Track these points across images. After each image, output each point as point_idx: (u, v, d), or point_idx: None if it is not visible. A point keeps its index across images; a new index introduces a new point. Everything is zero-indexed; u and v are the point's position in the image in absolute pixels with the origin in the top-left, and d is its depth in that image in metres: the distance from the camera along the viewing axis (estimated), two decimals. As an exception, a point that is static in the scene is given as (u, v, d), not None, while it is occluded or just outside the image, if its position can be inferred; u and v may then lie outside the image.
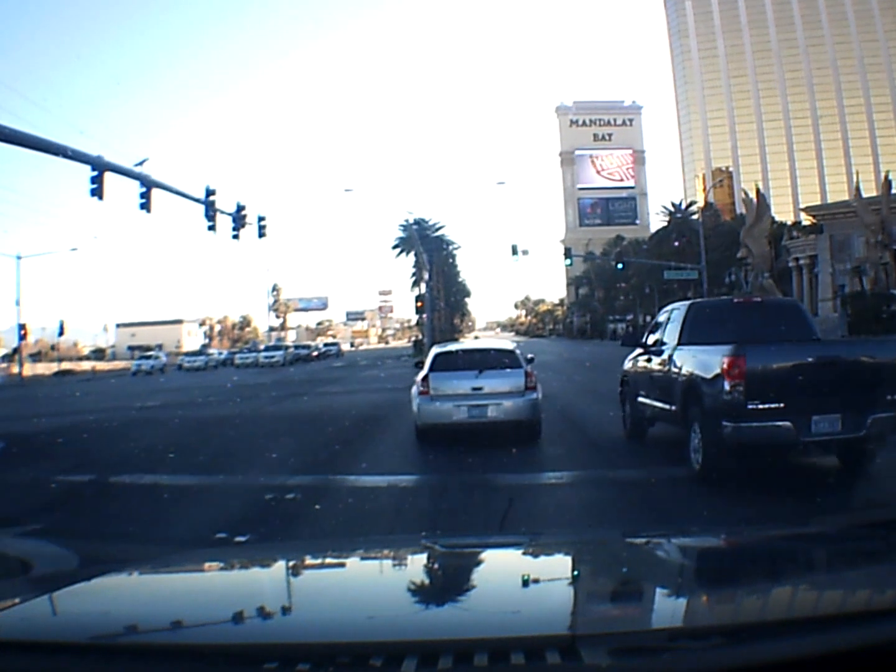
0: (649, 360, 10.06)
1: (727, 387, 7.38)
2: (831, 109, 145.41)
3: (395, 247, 75.21)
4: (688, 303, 10.13)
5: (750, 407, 7.29)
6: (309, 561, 2.41)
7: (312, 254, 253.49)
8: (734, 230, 69.49)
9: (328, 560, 2.41)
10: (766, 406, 7.29)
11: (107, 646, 1.40)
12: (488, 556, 2.38)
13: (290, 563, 2.32)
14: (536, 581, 1.94)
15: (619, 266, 47.26)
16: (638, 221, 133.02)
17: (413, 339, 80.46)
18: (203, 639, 1.48)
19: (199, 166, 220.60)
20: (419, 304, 52.39)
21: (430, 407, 11.00)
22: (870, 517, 3.79)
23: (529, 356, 12.39)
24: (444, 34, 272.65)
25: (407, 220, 57.48)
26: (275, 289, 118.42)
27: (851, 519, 3.78)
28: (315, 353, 66.65)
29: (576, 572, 2.12)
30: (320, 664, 1.29)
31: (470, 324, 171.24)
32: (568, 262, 44.07)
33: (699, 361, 8.22)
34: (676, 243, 66.31)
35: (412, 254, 72.15)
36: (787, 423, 7.24)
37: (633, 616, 1.64)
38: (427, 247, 57.49)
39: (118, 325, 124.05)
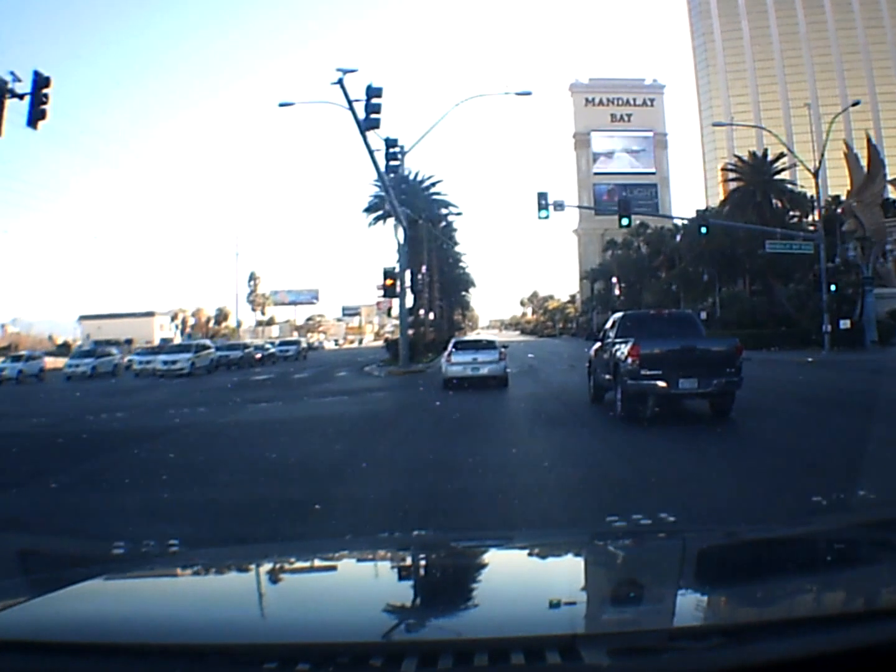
0: (602, 349, 15.63)
1: (630, 361, 13.00)
2: (862, 97, 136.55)
3: (368, 209, 50.58)
4: (622, 313, 16.90)
5: (642, 372, 12.91)
6: (309, 561, 2.41)
7: (304, 246, 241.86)
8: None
9: (328, 560, 2.41)
10: (651, 372, 12.89)
11: (107, 646, 1.39)
12: (488, 555, 2.38)
13: (290, 563, 2.33)
14: (536, 581, 1.93)
15: (703, 229, 35.85)
16: (660, 211, 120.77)
17: (387, 337, 64.24)
18: (203, 639, 1.48)
19: (187, 153, 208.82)
20: (388, 282, 33.08)
21: (451, 368, 22.54)
22: (870, 517, 3.80)
23: (504, 344, 25.31)
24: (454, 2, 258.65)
25: (365, 142, 27.50)
26: (252, 278, 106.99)
27: (851, 519, 3.82)
28: (259, 356, 50.41)
29: (575, 572, 2.13)
30: (320, 664, 1.29)
31: (471, 322, 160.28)
32: (625, 221, 32.56)
33: (620, 348, 13.65)
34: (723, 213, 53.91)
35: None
36: (663, 383, 12.88)
37: (633, 616, 1.63)
38: (415, 206, 41.90)
39: (82, 318, 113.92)
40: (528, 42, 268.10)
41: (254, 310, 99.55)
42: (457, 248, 73.36)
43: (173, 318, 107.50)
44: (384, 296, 36.18)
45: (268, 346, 57.37)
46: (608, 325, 16.06)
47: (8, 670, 1.31)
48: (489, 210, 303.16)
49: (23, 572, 2.77)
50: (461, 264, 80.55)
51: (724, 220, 48.42)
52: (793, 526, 3.42)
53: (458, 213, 56.04)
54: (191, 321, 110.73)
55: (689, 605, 1.65)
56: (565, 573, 2.08)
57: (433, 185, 53.88)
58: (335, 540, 4.82)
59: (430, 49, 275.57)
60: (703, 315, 57.22)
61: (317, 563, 2.35)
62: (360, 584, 2.04)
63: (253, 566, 2.28)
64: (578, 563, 2.26)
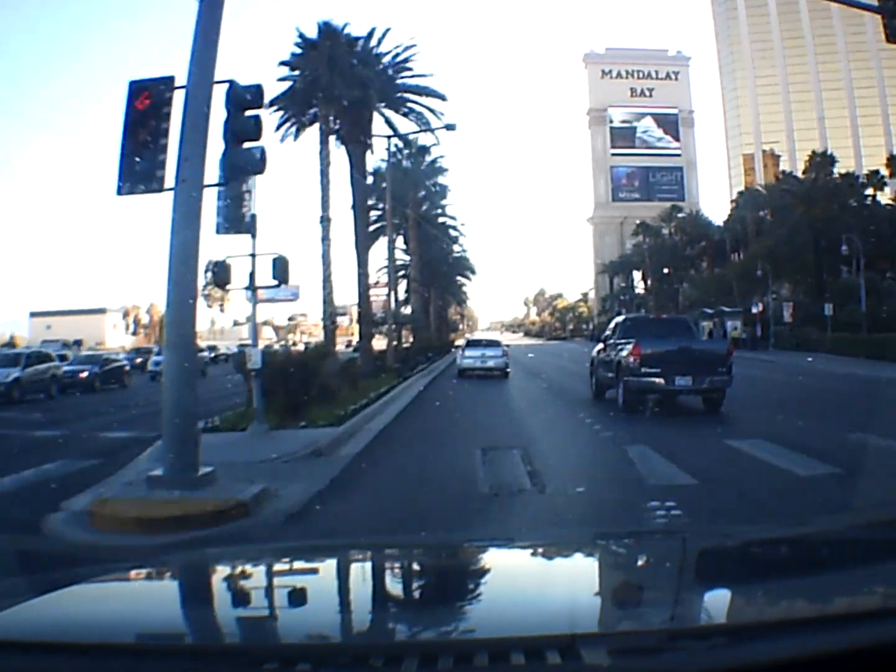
0: (605, 350, 17.01)
1: (631, 360, 14.47)
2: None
3: (276, 99, 23.81)
4: (623, 317, 19.42)
5: (643, 370, 14.35)
6: (309, 561, 2.40)
7: (288, 239, 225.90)
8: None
9: (328, 560, 2.41)
10: (651, 370, 14.31)
11: (106, 646, 1.40)
12: (488, 555, 2.37)
13: (290, 564, 2.34)
14: (536, 581, 1.93)
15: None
16: (686, 198, 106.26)
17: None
18: (203, 639, 1.50)
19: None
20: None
21: (464, 360, 28.71)
22: (870, 517, 3.65)
23: (507, 344, 32.48)
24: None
25: None
26: (209, 268, 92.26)
27: (851, 519, 3.76)
28: (58, 372, 26.81)
29: (575, 572, 2.12)
30: (320, 664, 1.30)
31: (471, 322, 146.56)
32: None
33: (622, 348, 15.20)
34: None
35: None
36: (661, 380, 14.29)
37: (633, 616, 1.63)
38: (359, 81, 22.35)
39: (31, 315, 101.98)
40: (537, 7, 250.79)
41: (209, 305, 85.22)
42: (447, 190, 47.13)
43: (125, 315, 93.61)
44: (215, 227, 11.11)
45: (68, 355, 34.24)
46: (610, 327, 17.89)
47: (8, 670, 1.30)
48: (487, 202, 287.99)
49: (23, 572, 2.71)
50: (455, 234, 52.81)
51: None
52: (793, 526, 3.49)
53: (451, 127, 26.20)
54: (144, 318, 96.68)
55: (689, 605, 1.64)
56: (565, 573, 2.07)
57: (403, 60, 26.25)
58: (335, 540, 4.70)
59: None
60: (788, 308, 42.36)
61: (317, 563, 2.36)
62: (360, 584, 2.06)
63: (253, 566, 2.27)
64: (578, 563, 2.25)
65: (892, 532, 2.46)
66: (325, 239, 22.75)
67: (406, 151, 35.55)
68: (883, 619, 1.33)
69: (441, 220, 47.51)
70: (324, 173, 22.66)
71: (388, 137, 26.80)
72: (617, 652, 1.25)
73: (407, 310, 42.42)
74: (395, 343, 33.32)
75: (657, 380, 14.17)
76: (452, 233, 50.83)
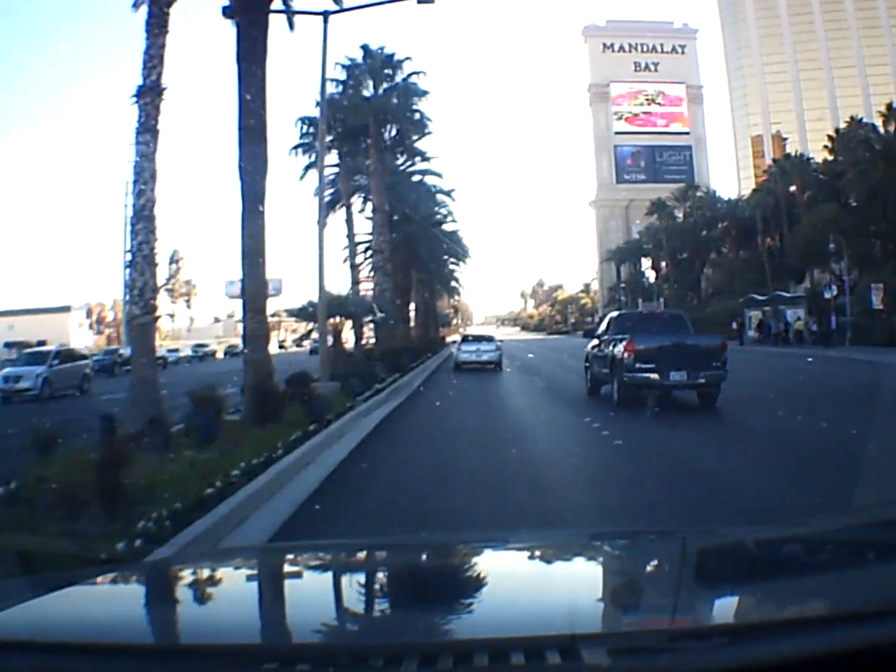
0: (599, 346, 17.12)
1: (626, 356, 14.56)
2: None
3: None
4: (617, 313, 20.07)
5: (637, 366, 14.47)
6: (308, 561, 2.41)
7: (273, 226, 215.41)
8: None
9: (327, 560, 2.42)
10: (645, 366, 14.45)
11: (107, 646, 1.41)
12: (488, 555, 2.37)
13: (290, 564, 2.36)
14: (536, 581, 1.93)
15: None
16: (696, 178, 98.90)
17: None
18: (203, 639, 1.51)
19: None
20: None
21: (462, 354, 29.24)
22: (870, 517, 3.59)
23: (501, 339, 34.10)
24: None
25: None
26: (174, 260, 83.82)
27: (851, 519, 3.73)
28: None
29: (575, 572, 2.12)
30: (320, 664, 1.31)
31: (467, 317, 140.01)
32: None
33: (617, 343, 15.28)
34: None
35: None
36: (656, 375, 14.37)
37: (633, 616, 1.64)
38: None
39: None
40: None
41: (173, 301, 76.70)
42: (435, 167, 42.08)
43: (89, 313, 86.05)
44: None
45: None
46: (603, 324, 18.16)
47: (8, 670, 1.31)
48: (480, 189, 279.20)
49: (23, 572, 2.72)
50: (443, 198, 41.71)
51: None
52: (793, 526, 3.48)
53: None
54: (109, 316, 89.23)
55: (689, 605, 1.64)
56: (565, 573, 2.07)
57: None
58: (335, 540, 4.73)
59: None
60: (878, 292, 33.45)
61: (316, 563, 2.36)
62: (359, 584, 2.05)
63: (252, 566, 2.29)
64: (578, 563, 2.25)
65: (892, 532, 2.44)
66: (147, 131, 11.40)
67: (367, 63, 24.70)
68: (883, 619, 1.32)
69: (423, 177, 36.68)
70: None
71: (325, 15, 16.28)
72: (617, 652, 1.26)
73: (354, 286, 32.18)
74: (361, 343, 25.73)
75: (652, 375, 14.45)
76: (441, 197, 40.40)
